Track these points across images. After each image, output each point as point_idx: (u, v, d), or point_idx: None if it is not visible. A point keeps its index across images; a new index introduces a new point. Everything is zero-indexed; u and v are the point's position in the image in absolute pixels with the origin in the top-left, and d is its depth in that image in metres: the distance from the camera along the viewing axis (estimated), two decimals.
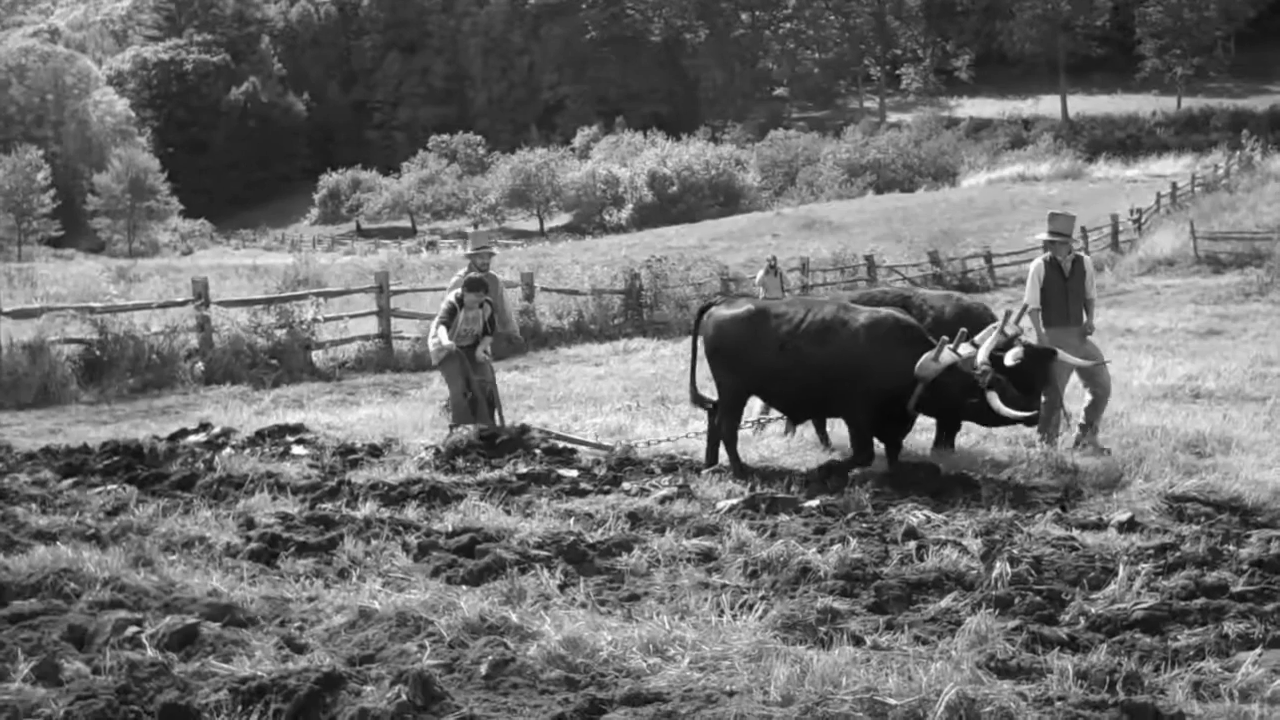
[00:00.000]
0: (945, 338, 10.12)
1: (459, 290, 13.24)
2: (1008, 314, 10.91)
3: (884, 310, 10.85)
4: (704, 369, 11.28)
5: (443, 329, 12.94)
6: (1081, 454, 11.08)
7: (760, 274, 27.02)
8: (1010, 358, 10.31)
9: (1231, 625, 6.34)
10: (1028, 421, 10.36)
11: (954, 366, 9.98)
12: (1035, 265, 12.33)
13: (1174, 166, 73.33)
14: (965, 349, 10.16)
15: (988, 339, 10.40)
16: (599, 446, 12.00)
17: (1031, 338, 11.64)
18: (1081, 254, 12.60)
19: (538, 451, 11.51)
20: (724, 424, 11.02)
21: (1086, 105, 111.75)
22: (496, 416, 13.07)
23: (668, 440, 12.19)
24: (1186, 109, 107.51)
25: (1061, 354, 11.18)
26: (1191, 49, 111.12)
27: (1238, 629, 6.29)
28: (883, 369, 10.16)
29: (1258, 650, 5.95)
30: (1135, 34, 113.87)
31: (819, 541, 8.10)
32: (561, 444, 12.08)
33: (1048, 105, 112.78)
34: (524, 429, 12.35)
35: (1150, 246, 46.15)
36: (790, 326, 10.60)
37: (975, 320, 11.36)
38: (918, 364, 10.00)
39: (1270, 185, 55.43)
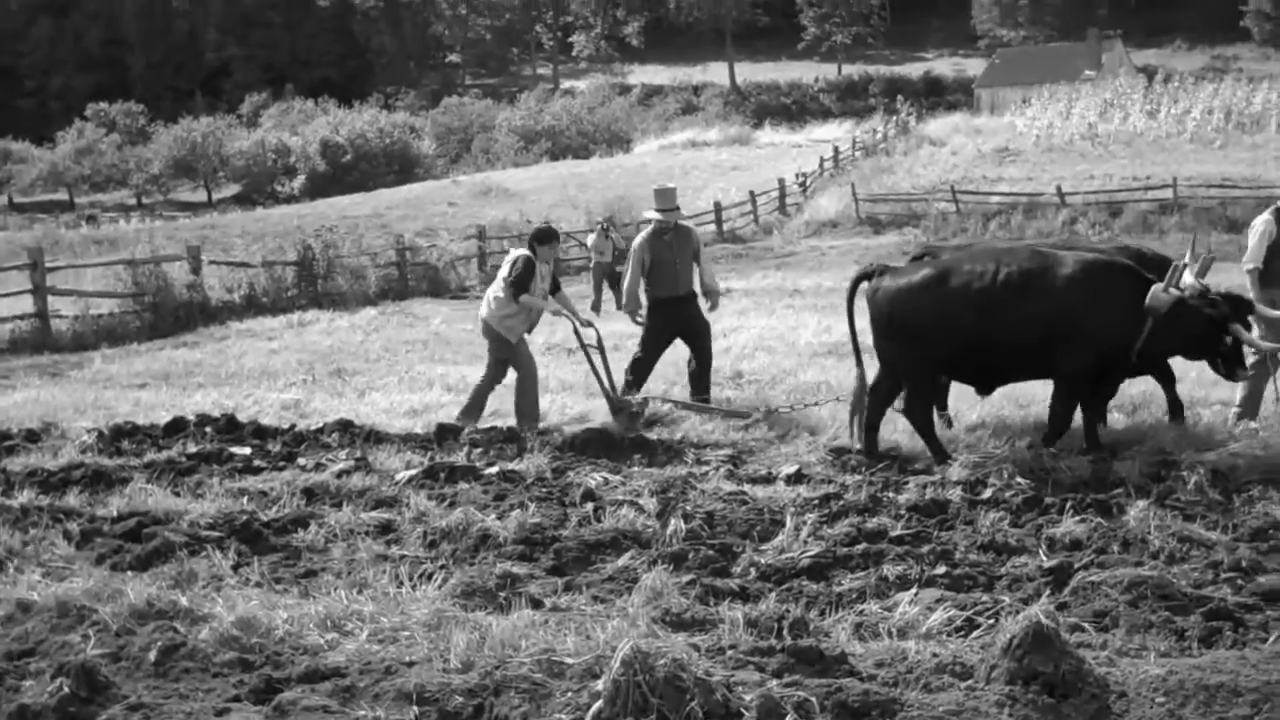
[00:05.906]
0: (1183, 259, 9.38)
1: (530, 243, 11.70)
2: (1195, 252, 9.63)
3: (1089, 253, 9.80)
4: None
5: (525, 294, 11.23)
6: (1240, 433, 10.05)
7: (592, 238, 26.21)
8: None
9: (890, 568, 6.70)
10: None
11: (1183, 299, 9.11)
12: (1263, 221, 11.00)
13: (836, 131, 76.16)
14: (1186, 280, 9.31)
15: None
16: (738, 415, 11.10)
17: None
18: None
19: (208, 430, 11.13)
20: (916, 409, 9.84)
21: (753, 72, 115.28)
22: (607, 383, 11.49)
23: (814, 404, 11.43)
24: (847, 76, 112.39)
25: (1262, 309, 9.99)
26: (849, 18, 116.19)
27: (896, 571, 6.64)
28: (1109, 312, 9.23)
29: (914, 590, 6.31)
30: (796, 3, 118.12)
31: (498, 508, 8.14)
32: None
33: (716, 73, 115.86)
34: (644, 402, 11.40)
35: (815, 209, 47.91)
36: (985, 284, 9.40)
37: (1155, 269, 9.85)
38: (1148, 297, 9.13)
39: (925, 149, 58.35)
